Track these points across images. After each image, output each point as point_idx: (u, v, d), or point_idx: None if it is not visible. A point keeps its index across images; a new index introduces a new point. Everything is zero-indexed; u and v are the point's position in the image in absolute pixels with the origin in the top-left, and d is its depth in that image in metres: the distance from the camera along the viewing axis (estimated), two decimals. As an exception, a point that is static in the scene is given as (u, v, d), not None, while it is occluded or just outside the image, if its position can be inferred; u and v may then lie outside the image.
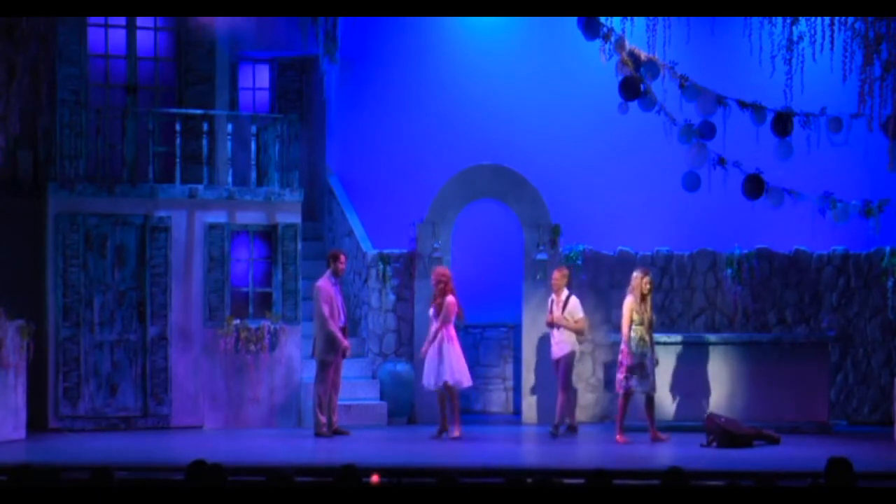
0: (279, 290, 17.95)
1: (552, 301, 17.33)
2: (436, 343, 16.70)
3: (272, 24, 18.53)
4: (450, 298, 16.74)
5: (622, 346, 16.54)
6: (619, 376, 16.53)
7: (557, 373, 17.21)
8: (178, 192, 17.67)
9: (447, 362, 16.64)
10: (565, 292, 17.27)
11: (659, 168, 18.76)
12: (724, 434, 16.03)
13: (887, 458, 15.16)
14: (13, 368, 16.11)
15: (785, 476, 12.86)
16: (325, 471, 12.48)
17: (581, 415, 18.37)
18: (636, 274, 16.66)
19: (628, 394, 16.48)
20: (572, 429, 17.27)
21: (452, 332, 16.77)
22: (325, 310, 16.71)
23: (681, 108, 17.55)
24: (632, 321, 16.44)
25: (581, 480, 9.45)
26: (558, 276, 17.32)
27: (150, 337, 17.43)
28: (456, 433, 16.60)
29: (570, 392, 17.26)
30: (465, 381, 16.80)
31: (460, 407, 17.04)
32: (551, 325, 17.23)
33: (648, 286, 16.56)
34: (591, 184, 19.21)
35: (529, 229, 18.52)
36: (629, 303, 16.54)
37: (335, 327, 16.80)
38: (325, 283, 16.90)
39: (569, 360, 17.14)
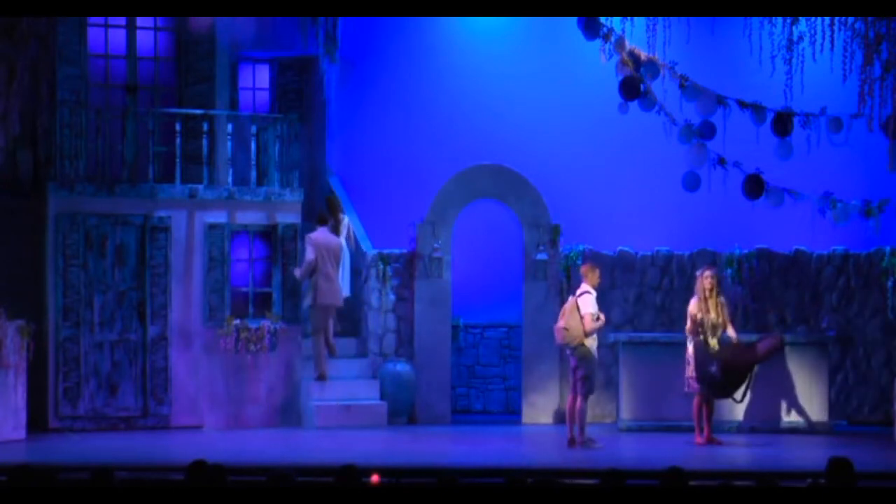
0: (279, 290, 17.95)
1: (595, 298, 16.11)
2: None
3: (272, 24, 18.50)
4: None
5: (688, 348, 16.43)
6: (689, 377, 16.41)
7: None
8: (178, 192, 17.67)
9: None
10: None
11: (659, 168, 18.75)
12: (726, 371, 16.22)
13: (887, 458, 15.16)
14: (13, 368, 16.10)
15: (785, 476, 12.85)
16: (325, 471, 12.47)
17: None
18: (698, 274, 16.51)
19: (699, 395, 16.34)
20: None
21: None
22: None
23: (681, 108, 17.55)
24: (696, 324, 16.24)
25: (580, 481, 9.45)
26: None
27: (150, 337, 17.43)
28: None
29: None
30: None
31: None
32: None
33: (710, 286, 16.28)
34: (591, 184, 19.19)
35: (529, 229, 18.51)
36: (693, 304, 16.37)
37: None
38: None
39: None
